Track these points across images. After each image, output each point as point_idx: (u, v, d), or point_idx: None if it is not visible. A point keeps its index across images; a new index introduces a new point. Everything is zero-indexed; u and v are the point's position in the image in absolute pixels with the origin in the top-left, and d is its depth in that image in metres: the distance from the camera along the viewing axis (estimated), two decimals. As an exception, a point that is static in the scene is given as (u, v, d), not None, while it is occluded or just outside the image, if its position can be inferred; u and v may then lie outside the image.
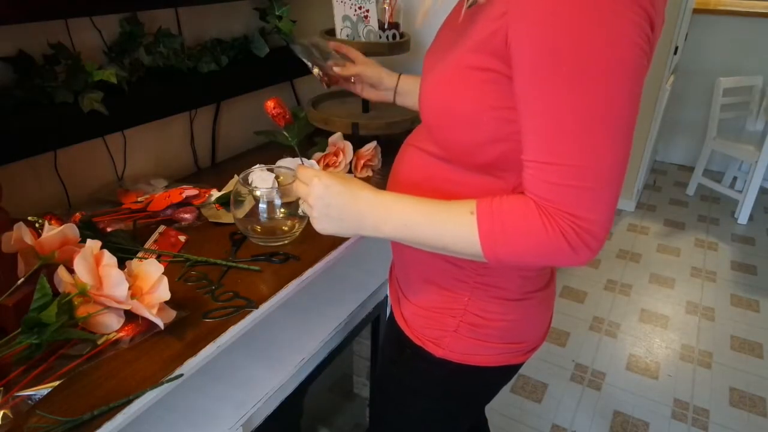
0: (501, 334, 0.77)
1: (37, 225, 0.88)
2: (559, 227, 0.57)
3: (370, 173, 1.30)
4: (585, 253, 0.58)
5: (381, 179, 1.29)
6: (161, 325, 0.75)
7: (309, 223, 1.01)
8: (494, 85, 0.59)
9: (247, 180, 0.97)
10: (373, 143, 1.31)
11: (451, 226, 0.62)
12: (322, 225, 0.69)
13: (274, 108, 0.93)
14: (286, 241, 1.01)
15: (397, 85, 1.08)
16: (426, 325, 0.80)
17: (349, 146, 1.27)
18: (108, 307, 0.75)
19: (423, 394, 0.86)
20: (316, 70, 1.10)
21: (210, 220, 1.09)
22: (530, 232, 0.58)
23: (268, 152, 1.47)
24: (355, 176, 1.29)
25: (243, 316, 0.83)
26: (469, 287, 0.75)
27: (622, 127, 0.54)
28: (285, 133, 1.01)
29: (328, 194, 0.66)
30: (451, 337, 0.77)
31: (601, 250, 0.59)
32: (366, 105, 1.53)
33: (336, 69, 1.08)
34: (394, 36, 1.38)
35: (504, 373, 0.85)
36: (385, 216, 0.65)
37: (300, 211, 0.80)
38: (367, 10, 1.34)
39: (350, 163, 1.28)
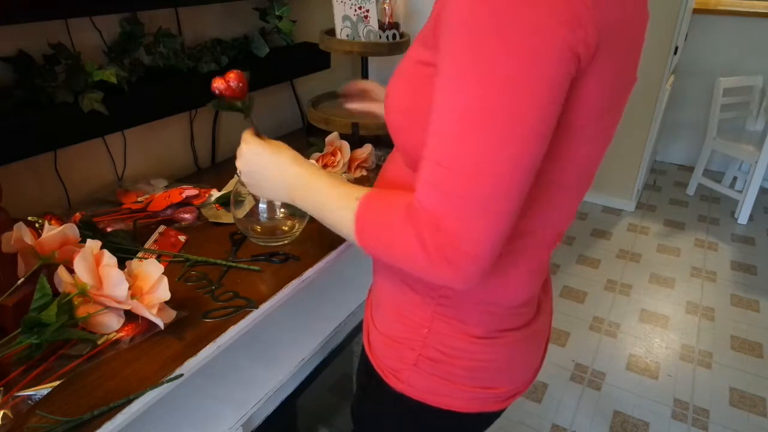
0: (470, 375, 0.69)
1: (37, 225, 0.88)
2: (416, 229, 0.52)
3: (364, 173, 1.31)
4: (444, 268, 0.52)
5: (375, 177, 1.29)
6: (161, 325, 0.75)
7: (309, 223, 1.02)
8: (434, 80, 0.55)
9: None
10: (369, 147, 1.31)
11: (339, 209, 0.61)
12: (249, 186, 0.75)
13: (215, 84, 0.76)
14: (286, 241, 1.01)
15: None
16: (387, 355, 0.74)
17: (346, 145, 1.27)
18: (108, 307, 0.75)
19: (387, 427, 0.80)
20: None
21: (210, 220, 1.09)
22: (391, 227, 0.55)
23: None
24: (351, 175, 1.29)
25: (243, 316, 0.83)
26: (428, 317, 0.68)
27: (518, 144, 0.48)
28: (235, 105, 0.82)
29: (256, 160, 0.72)
30: (410, 370, 0.71)
31: (478, 272, 0.52)
32: (366, 105, 1.53)
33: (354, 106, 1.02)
34: (394, 36, 1.39)
35: (478, 421, 0.76)
36: (298, 186, 0.68)
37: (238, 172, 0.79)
38: (367, 10, 1.34)
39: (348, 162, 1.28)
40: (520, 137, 0.48)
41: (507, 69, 0.46)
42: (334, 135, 1.27)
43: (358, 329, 1.26)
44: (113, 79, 1.03)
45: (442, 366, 0.69)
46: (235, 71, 0.75)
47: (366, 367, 0.79)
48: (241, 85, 0.74)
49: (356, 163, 1.29)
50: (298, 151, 0.73)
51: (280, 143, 0.73)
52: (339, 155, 1.26)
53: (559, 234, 0.66)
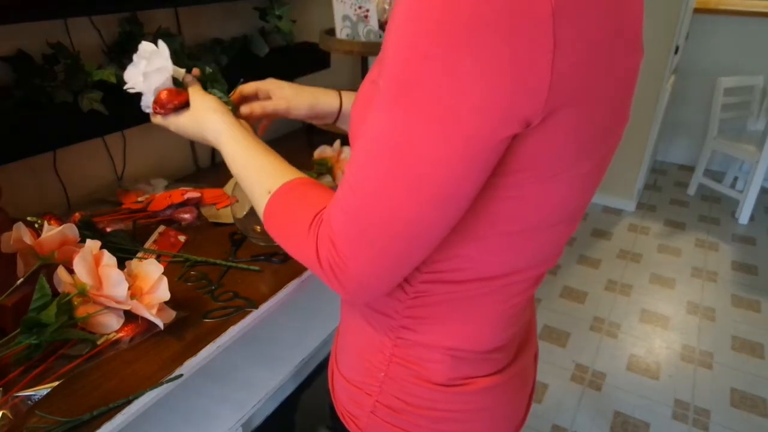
0: (435, 427, 0.63)
1: (36, 225, 0.88)
2: (316, 237, 0.51)
3: None
4: (333, 281, 0.51)
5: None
6: (161, 325, 0.75)
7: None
8: None
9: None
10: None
11: (255, 193, 0.61)
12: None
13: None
14: (286, 241, 1.00)
15: (341, 107, 0.84)
16: (346, 399, 0.69)
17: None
18: (107, 308, 0.75)
19: None
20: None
21: (210, 220, 1.09)
22: (296, 225, 0.54)
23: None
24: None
25: (243, 316, 0.83)
26: (385, 360, 0.62)
27: (427, 193, 0.44)
28: None
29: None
30: (368, 418, 0.65)
31: (365, 295, 0.52)
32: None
33: (245, 110, 0.79)
34: (394, 36, 1.38)
35: None
36: (223, 155, 0.67)
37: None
38: (367, 10, 1.34)
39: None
40: (429, 187, 0.44)
41: (430, 116, 0.42)
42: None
43: (358, 329, 1.26)
44: (113, 79, 1.03)
45: (402, 415, 0.63)
46: (162, 92, 0.72)
47: (331, 408, 0.75)
48: (175, 103, 0.72)
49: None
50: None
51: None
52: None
53: (539, 276, 0.60)
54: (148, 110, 0.74)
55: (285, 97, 0.81)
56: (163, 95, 0.71)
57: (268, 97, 0.82)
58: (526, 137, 0.44)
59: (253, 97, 0.82)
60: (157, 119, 0.75)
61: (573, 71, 0.41)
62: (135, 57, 0.72)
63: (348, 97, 0.85)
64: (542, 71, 0.40)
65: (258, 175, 0.62)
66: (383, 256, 0.48)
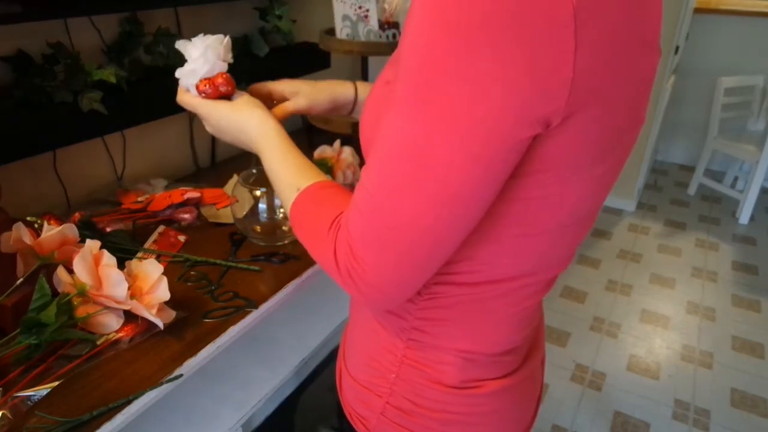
0: (445, 430, 0.63)
1: (36, 225, 0.88)
2: (334, 243, 0.51)
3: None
4: (352, 287, 0.51)
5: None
6: (161, 325, 0.75)
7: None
8: None
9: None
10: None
11: (289, 184, 0.61)
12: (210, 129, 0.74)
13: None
14: (286, 241, 1.00)
15: (356, 98, 0.84)
16: (355, 400, 0.69)
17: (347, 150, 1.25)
18: (107, 308, 0.75)
19: None
20: None
21: (210, 220, 1.09)
22: (316, 230, 0.54)
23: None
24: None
25: (243, 316, 0.83)
26: (396, 361, 0.62)
27: (442, 197, 0.44)
28: None
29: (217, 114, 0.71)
30: (377, 419, 0.65)
31: (384, 302, 0.52)
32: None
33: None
34: (394, 36, 1.38)
35: None
36: (260, 150, 0.68)
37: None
38: (367, 10, 1.33)
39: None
40: (447, 190, 0.44)
41: (446, 118, 0.42)
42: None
43: (358, 329, 1.26)
44: (112, 79, 1.03)
45: (412, 417, 0.63)
46: (222, 74, 0.72)
47: (338, 408, 0.75)
48: (228, 89, 0.72)
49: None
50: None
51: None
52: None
53: (551, 279, 0.60)
54: (182, 82, 0.74)
55: (305, 95, 0.81)
56: (222, 77, 0.71)
57: (284, 99, 0.81)
58: (547, 138, 0.44)
59: (266, 98, 0.81)
60: (187, 98, 0.73)
61: (595, 71, 0.41)
62: (199, 37, 0.71)
63: (363, 87, 0.84)
64: (563, 72, 0.39)
65: (292, 171, 0.62)
66: (401, 262, 0.48)
